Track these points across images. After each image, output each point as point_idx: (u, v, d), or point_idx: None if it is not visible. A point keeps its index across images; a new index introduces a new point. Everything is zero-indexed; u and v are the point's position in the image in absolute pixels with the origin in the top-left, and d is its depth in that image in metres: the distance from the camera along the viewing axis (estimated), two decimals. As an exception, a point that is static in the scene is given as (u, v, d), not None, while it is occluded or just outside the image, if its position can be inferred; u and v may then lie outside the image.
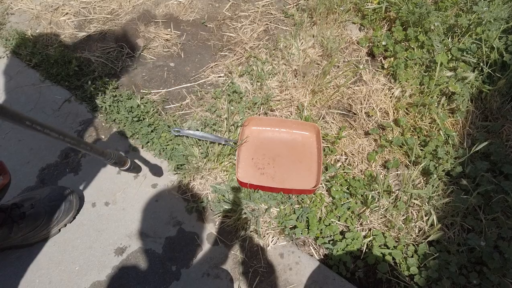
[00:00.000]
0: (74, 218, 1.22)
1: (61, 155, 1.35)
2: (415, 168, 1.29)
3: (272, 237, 1.20)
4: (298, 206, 1.25)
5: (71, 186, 1.26)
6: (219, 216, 1.23)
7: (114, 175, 1.32)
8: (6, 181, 0.96)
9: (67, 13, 1.85)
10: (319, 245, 1.20)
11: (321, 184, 1.30)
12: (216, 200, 1.25)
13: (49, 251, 1.16)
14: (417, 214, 1.24)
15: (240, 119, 1.44)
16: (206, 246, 1.18)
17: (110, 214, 1.24)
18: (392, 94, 1.52)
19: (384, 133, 1.44)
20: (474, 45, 1.51)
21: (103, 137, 1.42)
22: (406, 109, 1.48)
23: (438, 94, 1.47)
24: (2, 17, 1.83)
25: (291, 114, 1.50)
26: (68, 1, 1.90)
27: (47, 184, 1.29)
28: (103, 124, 1.45)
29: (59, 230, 1.20)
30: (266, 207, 1.24)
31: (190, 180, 1.30)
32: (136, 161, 1.22)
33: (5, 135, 1.40)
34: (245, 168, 1.34)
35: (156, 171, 1.32)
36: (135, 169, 1.17)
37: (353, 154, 1.39)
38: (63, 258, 1.16)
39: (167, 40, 1.76)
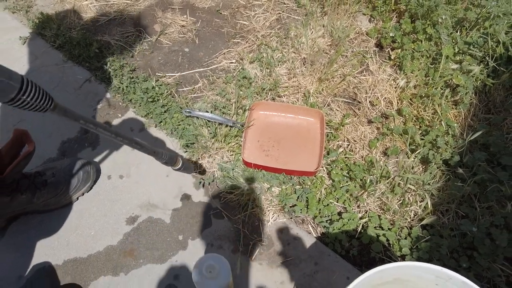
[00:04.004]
0: (91, 188, 1.32)
1: (81, 130, 1.45)
2: (414, 155, 1.34)
3: (273, 214, 1.27)
4: (299, 186, 1.32)
5: (89, 159, 1.36)
6: (224, 192, 1.31)
7: (129, 151, 1.41)
8: (31, 149, 1.06)
9: (89, -2, 1.95)
10: (317, 224, 1.27)
11: (322, 167, 1.37)
12: (222, 178, 1.33)
13: (67, 217, 1.27)
14: (413, 199, 1.29)
15: (248, 103, 1.51)
16: (211, 219, 1.27)
17: (124, 186, 1.34)
18: (397, 84, 1.56)
19: (387, 122, 1.48)
20: (481, 39, 1.53)
21: (119, 115, 1.51)
22: (410, 99, 1.52)
23: (442, 86, 1.51)
24: (30, 0, 1.94)
25: (298, 101, 1.56)
26: (91, -13, 1.99)
27: (67, 156, 1.40)
28: (120, 104, 1.55)
29: (77, 198, 1.30)
30: (269, 186, 1.31)
31: (199, 158, 1.39)
32: (185, 159, 1.20)
33: (30, 110, 1.51)
34: (251, 149, 1.41)
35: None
36: (187, 170, 1.20)
37: (355, 141, 1.44)
38: (80, 223, 1.26)
39: (183, 26, 1.84)
